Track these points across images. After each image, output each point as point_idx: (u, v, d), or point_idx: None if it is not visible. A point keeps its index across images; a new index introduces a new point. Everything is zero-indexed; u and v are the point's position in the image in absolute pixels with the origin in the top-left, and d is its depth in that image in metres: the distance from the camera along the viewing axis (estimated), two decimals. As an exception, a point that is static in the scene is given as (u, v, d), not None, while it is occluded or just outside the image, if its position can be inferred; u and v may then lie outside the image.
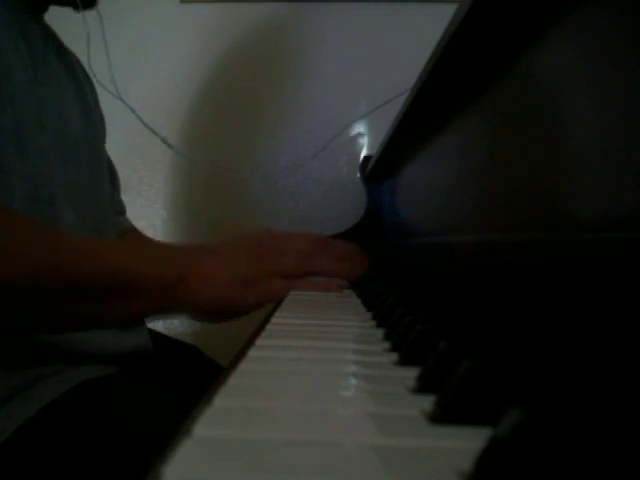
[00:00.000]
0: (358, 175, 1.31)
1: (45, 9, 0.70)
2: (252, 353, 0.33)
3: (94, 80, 0.85)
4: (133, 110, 1.06)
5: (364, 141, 1.43)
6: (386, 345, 0.37)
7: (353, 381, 0.29)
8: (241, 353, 0.33)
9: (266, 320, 0.46)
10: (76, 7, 0.72)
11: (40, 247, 0.52)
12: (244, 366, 0.30)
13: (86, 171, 0.71)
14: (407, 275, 0.87)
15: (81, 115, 0.73)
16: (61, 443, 0.51)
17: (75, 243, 0.57)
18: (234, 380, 0.27)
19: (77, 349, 0.61)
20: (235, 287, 0.61)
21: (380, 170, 1.14)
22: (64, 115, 0.68)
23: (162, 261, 0.61)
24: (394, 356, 0.33)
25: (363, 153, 1.40)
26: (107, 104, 0.99)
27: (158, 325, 1.42)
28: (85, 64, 0.85)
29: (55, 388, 0.55)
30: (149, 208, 1.44)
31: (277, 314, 0.50)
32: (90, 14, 0.78)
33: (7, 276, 0.49)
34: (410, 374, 0.28)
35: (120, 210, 0.91)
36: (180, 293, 0.59)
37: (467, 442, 0.19)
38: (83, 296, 0.55)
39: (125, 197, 0.95)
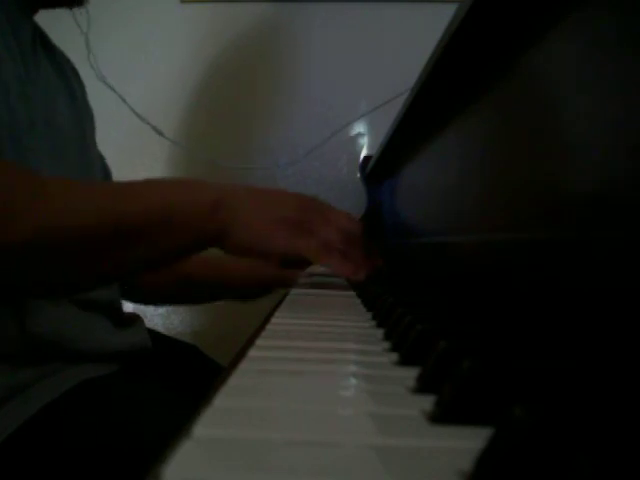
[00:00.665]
0: (358, 175, 1.32)
1: (36, 10, 0.71)
2: (252, 353, 0.33)
3: (96, 77, 0.85)
4: (124, 100, 1.05)
5: (364, 141, 1.43)
6: (386, 345, 0.37)
7: (353, 381, 0.29)
8: (241, 353, 0.33)
9: (266, 320, 0.46)
10: (65, 6, 0.72)
11: (72, 196, 0.51)
12: (244, 366, 0.30)
13: (76, 168, 0.71)
14: (407, 275, 0.87)
15: (70, 112, 0.73)
16: (61, 442, 0.51)
17: (105, 188, 0.54)
18: (234, 380, 0.27)
19: (76, 347, 0.61)
20: (274, 224, 0.57)
21: (380, 170, 1.14)
22: (53, 113, 0.68)
23: (199, 187, 0.57)
24: (394, 356, 0.33)
25: (363, 153, 1.41)
26: (107, 104, 0.99)
27: (158, 325, 1.42)
28: (85, 61, 0.85)
29: (55, 387, 0.56)
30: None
31: (277, 314, 0.50)
32: (89, 13, 0.78)
33: (49, 228, 0.48)
34: (410, 374, 0.28)
35: None
36: (220, 216, 0.55)
37: (467, 442, 0.19)
38: (124, 239, 0.52)
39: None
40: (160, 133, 1.19)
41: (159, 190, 0.55)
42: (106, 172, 0.87)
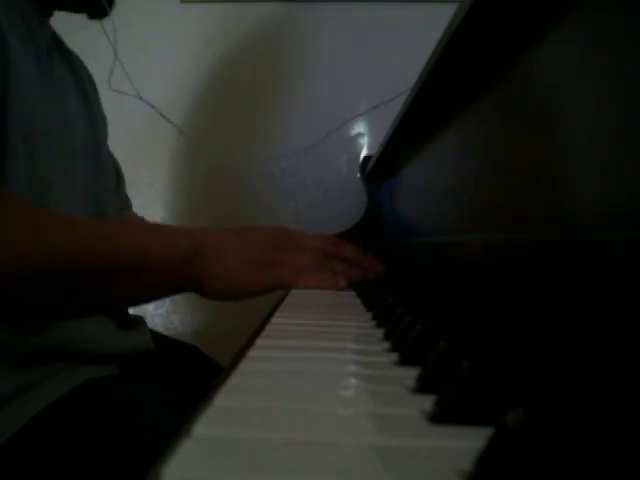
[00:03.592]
0: (358, 175, 1.32)
1: (51, 14, 0.71)
2: (252, 353, 0.33)
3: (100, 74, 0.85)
4: (141, 97, 1.05)
5: (364, 141, 1.43)
6: (386, 345, 0.37)
7: (353, 381, 0.29)
8: (241, 353, 0.32)
9: (266, 320, 0.46)
10: (91, 15, 0.73)
11: (39, 232, 0.51)
12: (244, 366, 0.30)
13: (88, 173, 0.71)
14: (407, 275, 0.87)
15: (84, 117, 0.73)
16: (64, 442, 0.51)
17: (76, 225, 0.55)
18: (234, 380, 0.27)
19: (80, 349, 0.61)
20: (247, 266, 0.60)
21: (380, 170, 1.14)
22: (68, 118, 0.69)
23: (173, 236, 0.59)
24: (394, 356, 0.33)
25: (363, 153, 1.41)
26: (108, 105, 0.99)
27: (158, 325, 1.42)
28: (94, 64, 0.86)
29: (58, 387, 0.56)
30: (149, 208, 1.44)
31: (277, 314, 0.50)
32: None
33: (10, 264, 0.48)
34: (410, 374, 0.28)
35: (124, 206, 0.92)
36: (193, 267, 0.56)
37: (467, 442, 0.19)
38: (90, 279, 0.53)
39: (125, 197, 0.95)
40: (181, 131, 1.18)
41: (134, 237, 0.57)
42: (118, 173, 0.87)
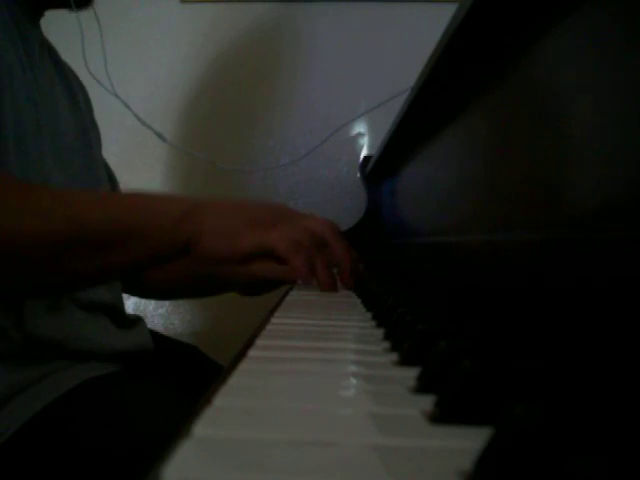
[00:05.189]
0: (358, 175, 1.31)
1: (41, 14, 0.71)
2: (252, 353, 0.33)
3: (91, 77, 0.85)
4: (127, 106, 1.06)
5: (364, 141, 1.43)
6: (386, 345, 0.37)
7: (353, 381, 0.29)
8: (241, 353, 0.32)
9: (266, 320, 0.46)
10: (70, 8, 0.72)
11: (29, 206, 0.51)
12: (244, 366, 0.30)
13: (80, 174, 0.71)
14: (407, 275, 0.87)
15: (73, 120, 0.73)
16: (62, 442, 0.51)
17: (71, 195, 0.54)
18: (234, 380, 0.27)
19: (78, 348, 0.61)
20: (239, 225, 0.58)
21: (380, 170, 1.14)
22: (58, 119, 0.69)
23: (167, 198, 0.58)
24: (394, 356, 0.33)
25: (363, 153, 1.40)
26: (107, 105, 0.99)
27: (158, 325, 1.42)
28: (81, 63, 0.86)
29: (58, 386, 0.56)
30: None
31: (277, 314, 0.50)
32: (88, 14, 0.78)
33: (13, 238, 0.48)
34: (410, 374, 0.28)
35: None
36: (186, 225, 0.55)
37: (467, 442, 0.19)
38: (85, 247, 0.52)
39: (125, 197, 0.95)
40: (162, 138, 1.19)
41: (127, 201, 0.57)
42: (112, 181, 0.87)
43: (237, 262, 0.59)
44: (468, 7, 0.44)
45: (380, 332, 0.41)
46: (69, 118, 0.72)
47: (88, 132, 0.77)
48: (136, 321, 0.76)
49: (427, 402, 0.24)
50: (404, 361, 0.31)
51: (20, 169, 0.59)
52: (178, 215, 0.55)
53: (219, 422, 0.21)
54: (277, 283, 0.68)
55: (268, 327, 0.42)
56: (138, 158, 1.44)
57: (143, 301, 1.43)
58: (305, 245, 0.60)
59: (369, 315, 0.51)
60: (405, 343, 0.33)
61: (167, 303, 1.44)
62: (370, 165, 1.21)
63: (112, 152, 0.89)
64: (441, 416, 0.21)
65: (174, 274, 0.85)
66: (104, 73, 0.99)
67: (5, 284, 0.52)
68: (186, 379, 0.74)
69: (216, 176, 1.41)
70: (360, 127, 1.42)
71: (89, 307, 0.65)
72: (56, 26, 0.77)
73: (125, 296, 0.81)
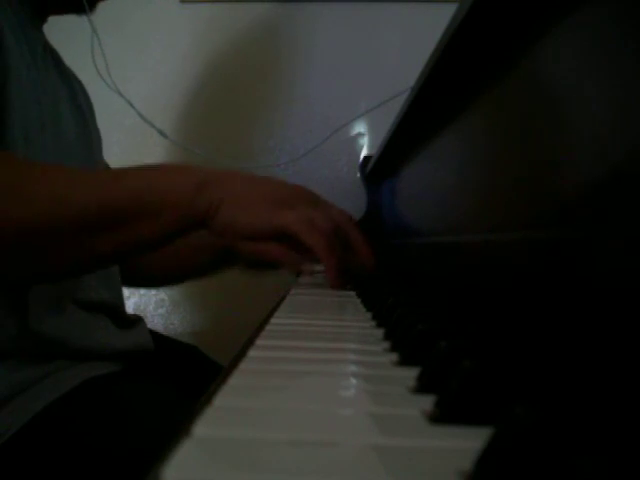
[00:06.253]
0: (358, 175, 1.31)
1: (45, 20, 0.71)
2: (252, 353, 0.33)
3: (95, 77, 0.85)
4: (131, 104, 1.06)
5: (364, 141, 1.43)
6: (386, 345, 0.37)
7: (353, 381, 0.29)
8: (241, 353, 0.32)
9: (266, 320, 0.46)
10: (77, 12, 0.73)
11: (56, 181, 0.51)
12: (244, 366, 0.30)
13: None
14: (407, 275, 0.87)
15: (75, 122, 0.73)
16: (63, 442, 0.51)
17: (87, 176, 0.54)
18: (234, 380, 0.27)
19: (79, 347, 0.61)
20: (257, 200, 0.56)
21: (380, 170, 1.14)
22: (60, 120, 0.69)
23: (184, 168, 0.57)
24: (394, 356, 0.33)
25: (363, 153, 1.40)
26: (107, 105, 0.99)
27: (158, 325, 1.42)
28: (87, 62, 0.86)
29: (58, 386, 0.56)
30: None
31: (277, 314, 0.50)
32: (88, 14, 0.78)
33: (23, 218, 0.48)
34: (410, 374, 0.28)
35: None
36: (203, 195, 0.54)
37: (467, 442, 0.19)
38: (108, 224, 0.51)
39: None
40: (164, 135, 1.19)
41: (144, 174, 0.55)
42: None
43: (250, 238, 0.58)
44: (468, 7, 0.44)
45: (380, 332, 0.41)
46: (70, 120, 0.72)
47: (89, 135, 0.78)
48: (136, 321, 0.76)
49: (427, 402, 0.24)
50: (404, 361, 0.31)
51: None
52: (193, 189, 0.54)
53: (219, 422, 0.21)
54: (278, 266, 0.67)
55: (268, 327, 0.42)
56: (138, 158, 1.44)
57: (143, 301, 1.43)
58: (322, 228, 0.58)
59: (369, 315, 0.51)
60: (405, 343, 0.33)
61: (167, 303, 1.44)
62: (370, 165, 1.21)
63: (112, 152, 0.89)
64: (441, 416, 0.21)
65: (174, 258, 0.84)
66: (105, 72, 0.99)
67: (23, 260, 0.51)
68: (186, 379, 0.74)
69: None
70: (360, 127, 1.42)
71: (89, 307, 0.66)
72: (58, 27, 0.77)
73: (125, 296, 0.81)
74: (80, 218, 0.50)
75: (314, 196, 0.63)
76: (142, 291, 1.43)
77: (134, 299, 1.42)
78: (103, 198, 0.51)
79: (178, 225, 0.54)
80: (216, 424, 0.21)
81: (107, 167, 0.85)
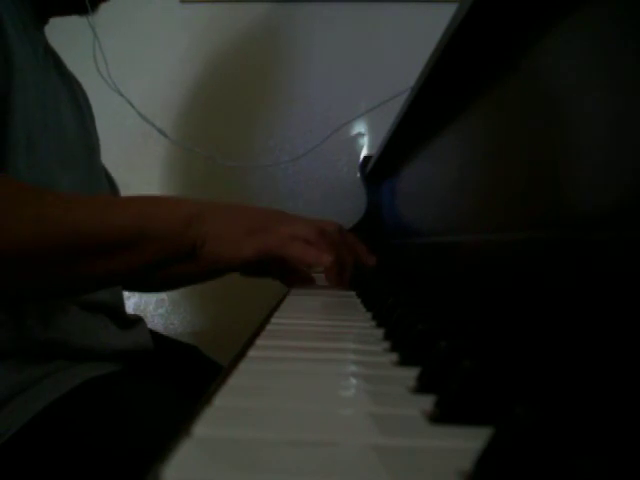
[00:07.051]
0: (358, 175, 1.31)
1: (46, 21, 0.72)
2: (252, 353, 0.33)
3: (95, 78, 0.85)
4: (132, 104, 1.06)
5: (364, 141, 1.43)
6: (386, 345, 0.37)
7: (353, 381, 0.29)
8: (241, 353, 0.33)
9: (266, 320, 0.46)
10: (79, 13, 0.73)
11: (48, 207, 0.51)
12: (244, 366, 0.30)
13: (83, 175, 0.71)
14: (407, 275, 0.87)
15: (76, 125, 0.74)
16: (63, 442, 0.51)
17: (79, 201, 0.55)
18: (234, 380, 0.27)
19: (80, 347, 0.61)
20: (239, 232, 0.59)
21: (380, 170, 1.14)
22: (61, 123, 0.69)
23: (175, 202, 0.59)
24: (394, 356, 0.33)
25: (363, 153, 1.40)
26: (107, 105, 0.99)
27: (158, 325, 1.42)
28: (90, 64, 0.86)
29: (58, 386, 0.56)
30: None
31: (277, 314, 0.50)
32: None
33: (21, 242, 0.49)
34: (410, 374, 0.28)
35: None
36: (193, 229, 0.56)
37: (467, 442, 0.19)
38: (95, 253, 0.53)
39: (125, 197, 0.95)
40: (164, 135, 1.19)
41: (133, 206, 0.56)
42: (113, 187, 0.87)
43: (238, 268, 0.60)
44: (468, 7, 0.44)
45: (380, 332, 0.41)
46: (72, 121, 0.72)
47: (90, 137, 0.78)
48: (136, 321, 0.76)
49: (427, 402, 0.24)
50: (404, 361, 0.31)
51: (29, 172, 0.59)
52: (185, 220, 0.56)
53: (219, 422, 0.21)
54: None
55: (268, 327, 0.42)
56: (138, 158, 1.44)
57: (143, 301, 1.43)
58: (302, 236, 0.60)
59: (369, 315, 0.51)
60: (405, 343, 0.33)
61: (167, 303, 1.44)
62: (370, 165, 1.21)
63: (113, 152, 0.89)
64: (441, 416, 0.21)
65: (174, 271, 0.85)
66: (105, 72, 0.99)
67: (16, 286, 0.52)
68: (186, 379, 0.74)
69: (216, 176, 1.41)
70: (360, 127, 1.42)
71: (90, 307, 0.66)
72: (58, 28, 0.77)
73: (125, 296, 0.81)
74: (71, 243, 0.51)
75: (289, 215, 0.65)
76: (142, 291, 1.43)
77: (134, 299, 1.42)
78: (92, 226, 0.52)
79: (166, 256, 0.56)
80: (216, 424, 0.21)
81: (105, 171, 0.85)
